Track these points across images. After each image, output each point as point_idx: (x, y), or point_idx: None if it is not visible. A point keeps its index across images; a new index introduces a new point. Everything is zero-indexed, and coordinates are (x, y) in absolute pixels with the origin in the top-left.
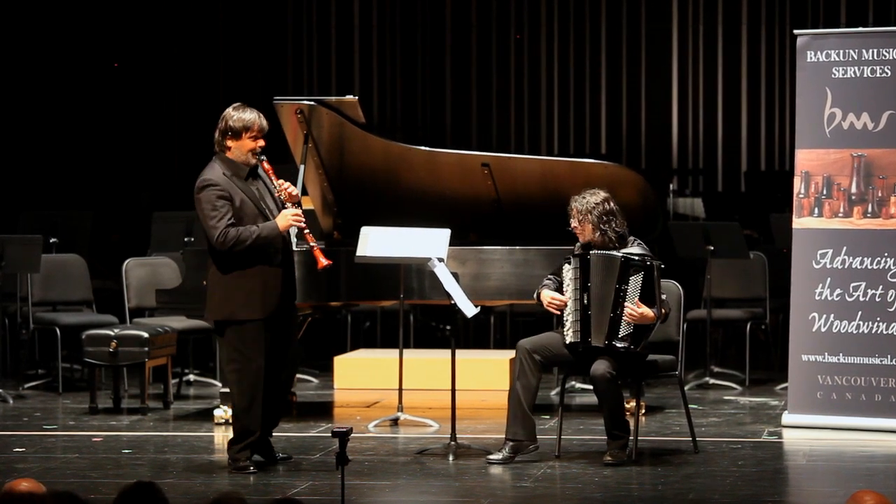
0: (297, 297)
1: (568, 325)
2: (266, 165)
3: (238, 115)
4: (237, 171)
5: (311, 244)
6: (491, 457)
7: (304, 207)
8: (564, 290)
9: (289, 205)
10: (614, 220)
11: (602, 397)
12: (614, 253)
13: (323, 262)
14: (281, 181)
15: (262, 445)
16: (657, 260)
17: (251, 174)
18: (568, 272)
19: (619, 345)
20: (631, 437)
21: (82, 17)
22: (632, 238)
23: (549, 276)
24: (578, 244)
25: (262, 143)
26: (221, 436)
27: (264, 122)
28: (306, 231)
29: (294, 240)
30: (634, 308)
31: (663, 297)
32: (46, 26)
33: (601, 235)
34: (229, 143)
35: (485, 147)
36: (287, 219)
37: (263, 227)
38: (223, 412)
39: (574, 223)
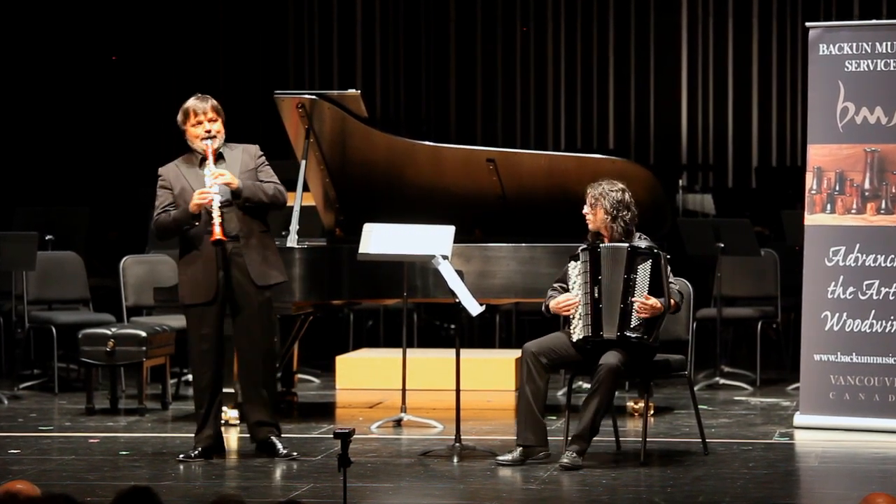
0: (258, 280)
1: (576, 321)
2: (207, 151)
3: (181, 108)
4: (191, 160)
5: (213, 220)
6: (500, 458)
7: (303, 204)
8: (571, 288)
9: (208, 183)
10: (627, 213)
11: (600, 387)
12: (621, 244)
13: (216, 234)
14: (214, 170)
15: (256, 439)
16: (664, 252)
17: (214, 159)
18: (574, 269)
19: (631, 336)
20: (639, 439)
21: (79, 10)
22: (638, 234)
23: (554, 286)
24: (588, 239)
25: (207, 125)
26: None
27: (206, 104)
28: (213, 207)
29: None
30: (644, 301)
31: (674, 286)
32: (43, 19)
33: (612, 222)
34: (185, 137)
35: (490, 142)
36: (194, 199)
37: (178, 210)
38: (223, 412)
39: (586, 208)
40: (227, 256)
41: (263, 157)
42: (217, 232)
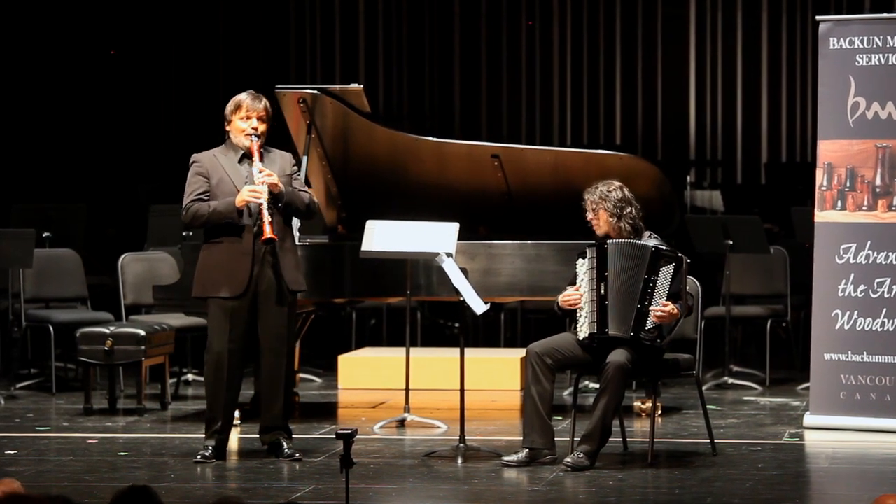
0: (291, 286)
1: (582, 320)
2: (252, 147)
3: (233, 98)
4: (231, 152)
5: (263, 219)
6: (506, 458)
7: None
8: (578, 284)
9: (257, 181)
10: (630, 208)
11: (609, 386)
12: (645, 242)
13: (267, 233)
14: (263, 168)
15: (265, 441)
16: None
17: (249, 156)
18: (582, 266)
19: (645, 338)
20: (647, 439)
21: (77, 4)
22: (648, 232)
23: (567, 287)
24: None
25: (255, 123)
26: None
27: (259, 104)
28: (263, 206)
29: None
30: (663, 308)
31: (688, 291)
32: (40, 13)
33: (618, 222)
34: (227, 127)
35: (495, 138)
36: (244, 195)
37: (219, 202)
38: None
39: (589, 215)
40: (263, 256)
41: (297, 167)
42: (268, 231)
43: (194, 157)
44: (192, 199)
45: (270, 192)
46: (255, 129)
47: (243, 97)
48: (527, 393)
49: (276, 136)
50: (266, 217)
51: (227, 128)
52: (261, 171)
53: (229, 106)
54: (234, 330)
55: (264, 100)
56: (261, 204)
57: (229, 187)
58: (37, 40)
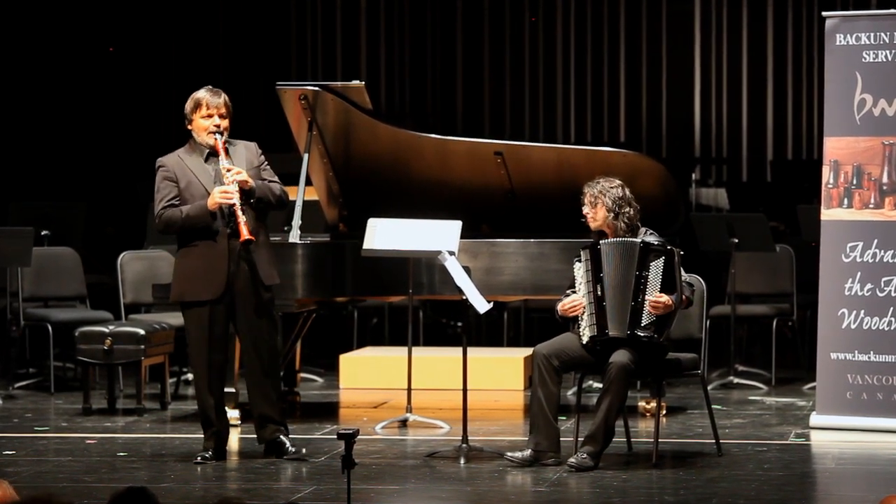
0: (266, 280)
1: (583, 324)
2: (217, 145)
3: (191, 96)
4: (196, 151)
5: (238, 220)
6: (509, 454)
7: (306, 198)
8: (577, 289)
9: (227, 181)
10: (629, 209)
11: (612, 387)
12: (632, 239)
13: (245, 234)
14: (230, 166)
15: (264, 438)
16: (676, 247)
17: (215, 154)
18: (579, 269)
19: (641, 334)
20: (651, 440)
21: (76, 0)
22: (644, 229)
23: (567, 292)
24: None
25: (217, 120)
26: None
27: (219, 99)
28: (236, 206)
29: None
30: (657, 299)
31: (686, 281)
32: (38, 9)
33: (614, 219)
34: (189, 126)
35: (498, 134)
36: (215, 197)
37: (191, 207)
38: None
39: (587, 208)
40: (237, 255)
41: (263, 156)
42: (245, 233)
43: (160, 161)
44: (163, 206)
45: (242, 190)
46: (218, 125)
47: (202, 94)
48: (533, 395)
49: (277, 133)
50: (241, 218)
51: (189, 127)
52: (229, 170)
53: (189, 105)
54: (215, 333)
55: (223, 94)
56: (233, 205)
57: (199, 189)
58: (36, 37)
